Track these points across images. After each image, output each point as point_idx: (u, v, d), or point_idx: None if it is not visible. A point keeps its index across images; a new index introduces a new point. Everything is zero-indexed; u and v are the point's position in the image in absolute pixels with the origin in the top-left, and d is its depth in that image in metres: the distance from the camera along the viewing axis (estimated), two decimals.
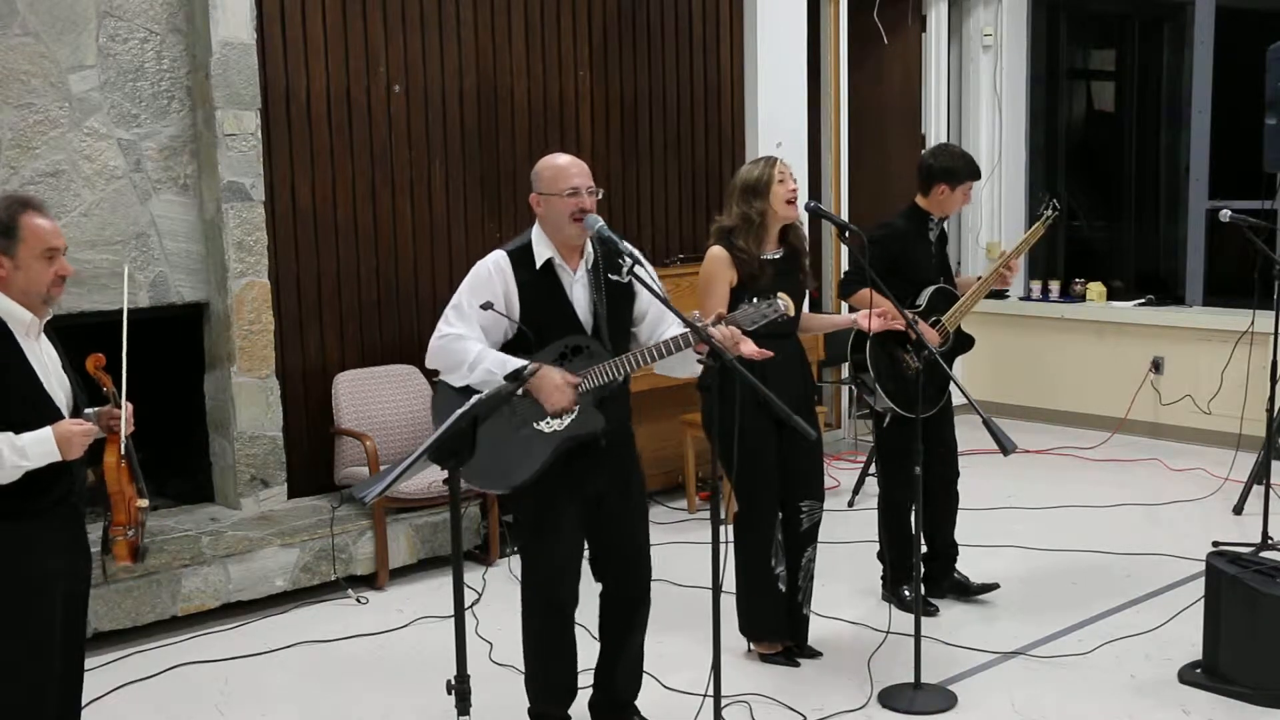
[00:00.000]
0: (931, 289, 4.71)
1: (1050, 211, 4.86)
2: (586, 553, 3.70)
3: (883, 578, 4.99)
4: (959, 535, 5.02)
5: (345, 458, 5.57)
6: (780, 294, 3.61)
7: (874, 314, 4.30)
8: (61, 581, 3.09)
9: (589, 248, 3.55)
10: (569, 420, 3.46)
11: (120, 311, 3.41)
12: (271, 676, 4.50)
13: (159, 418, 5.65)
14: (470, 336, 3.45)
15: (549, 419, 3.45)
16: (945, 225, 4.90)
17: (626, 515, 3.67)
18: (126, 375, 3.25)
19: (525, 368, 3.27)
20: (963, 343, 4.85)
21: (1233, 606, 4.07)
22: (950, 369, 4.79)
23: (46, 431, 2.95)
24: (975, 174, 4.73)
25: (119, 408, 3.19)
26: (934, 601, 4.88)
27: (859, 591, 5.09)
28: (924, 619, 4.21)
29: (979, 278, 4.89)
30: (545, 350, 3.46)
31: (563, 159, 3.54)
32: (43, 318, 3.08)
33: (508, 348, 3.48)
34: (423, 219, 6.02)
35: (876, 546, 5.00)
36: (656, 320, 3.63)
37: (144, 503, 3.21)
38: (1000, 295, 7.99)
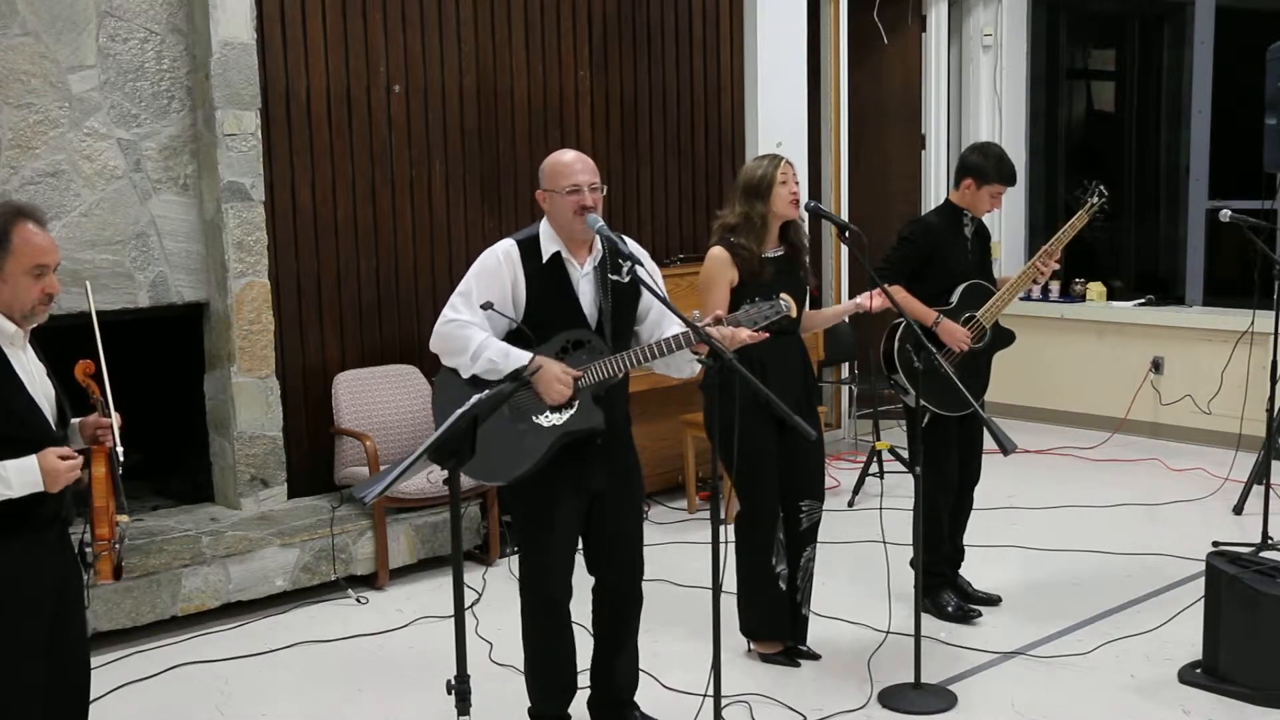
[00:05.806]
0: (964, 285, 4.67)
1: (1095, 199, 4.73)
2: (579, 547, 3.70)
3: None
4: None
5: (345, 458, 5.57)
6: (782, 294, 3.64)
7: (874, 295, 4.23)
8: (51, 597, 2.97)
9: (597, 244, 3.56)
10: (568, 415, 3.47)
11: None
12: (271, 676, 4.49)
13: (159, 417, 5.69)
14: (475, 323, 3.47)
15: (547, 413, 3.46)
16: (984, 222, 4.83)
17: (624, 512, 3.68)
18: (111, 384, 3.09)
19: (525, 367, 3.27)
20: (1001, 339, 4.79)
21: (1233, 606, 4.07)
22: (989, 365, 4.78)
23: (32, 461, 2.83)
24: (1005, 179, 4.63)
25: (106, 416, 3.04)
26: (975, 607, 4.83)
27: (859, 592, 5.08)
28: (923, 619, 4.19)
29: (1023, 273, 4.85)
30: (547, 344, 3.48)
31: (568, 155, 3.56)
32: (26, 330, 2.94)
33: (510, 338, 3.49)
34: (423, 219, 6.02)
35: (883, 548, 4.92)
36: (658, 320, 3.66)
37: (125, 518, 3.05)
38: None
